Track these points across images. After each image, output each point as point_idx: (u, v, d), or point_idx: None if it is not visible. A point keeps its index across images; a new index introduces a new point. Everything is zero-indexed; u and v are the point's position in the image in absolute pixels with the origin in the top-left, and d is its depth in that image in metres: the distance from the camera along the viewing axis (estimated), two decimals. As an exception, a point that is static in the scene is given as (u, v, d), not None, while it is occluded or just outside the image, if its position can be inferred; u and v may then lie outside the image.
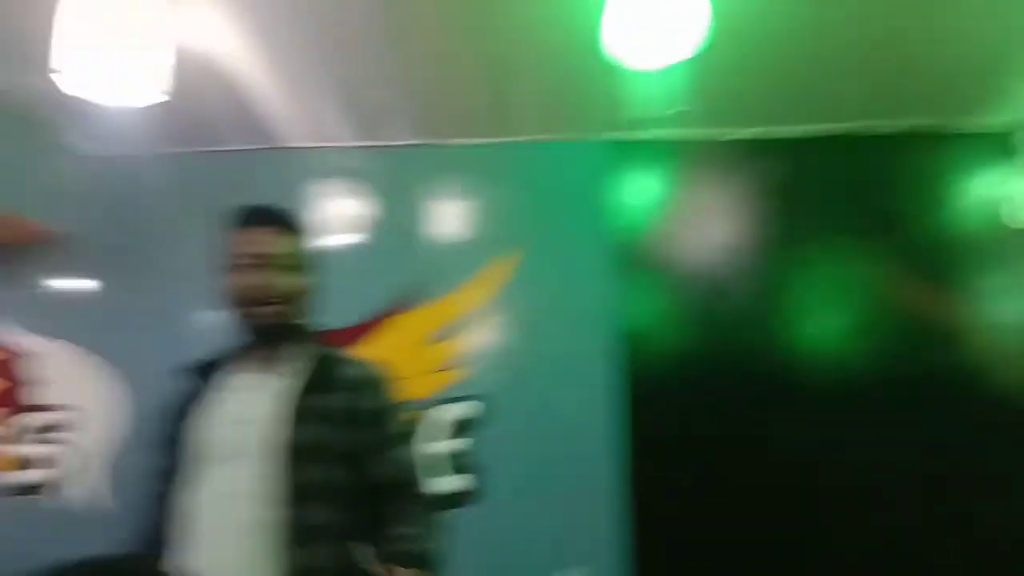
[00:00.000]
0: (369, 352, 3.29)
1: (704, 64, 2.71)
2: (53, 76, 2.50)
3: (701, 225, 3.40)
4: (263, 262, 1.57)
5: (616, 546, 3.17)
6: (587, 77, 3.09)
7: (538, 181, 3.49)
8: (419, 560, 1.44)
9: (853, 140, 3.34)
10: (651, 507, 3.20)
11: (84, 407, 3.71)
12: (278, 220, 1.64)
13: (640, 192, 3.45)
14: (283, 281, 1.57)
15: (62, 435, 3.70)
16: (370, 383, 1.60)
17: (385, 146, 3.57)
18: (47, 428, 3.71)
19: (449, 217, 3.56)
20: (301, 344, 1.63)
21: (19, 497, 3.66)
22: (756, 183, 3.39)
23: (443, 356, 3.44)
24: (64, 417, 3.71)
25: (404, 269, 3.50)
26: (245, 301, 1.57)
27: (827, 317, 3.31)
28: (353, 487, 1.52)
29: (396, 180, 3.59)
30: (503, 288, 3.44)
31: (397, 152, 3.57)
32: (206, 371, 1.65)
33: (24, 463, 3.69)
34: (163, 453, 1.60)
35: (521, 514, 3.24)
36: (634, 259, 3.40)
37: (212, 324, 3.55)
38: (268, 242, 1.60)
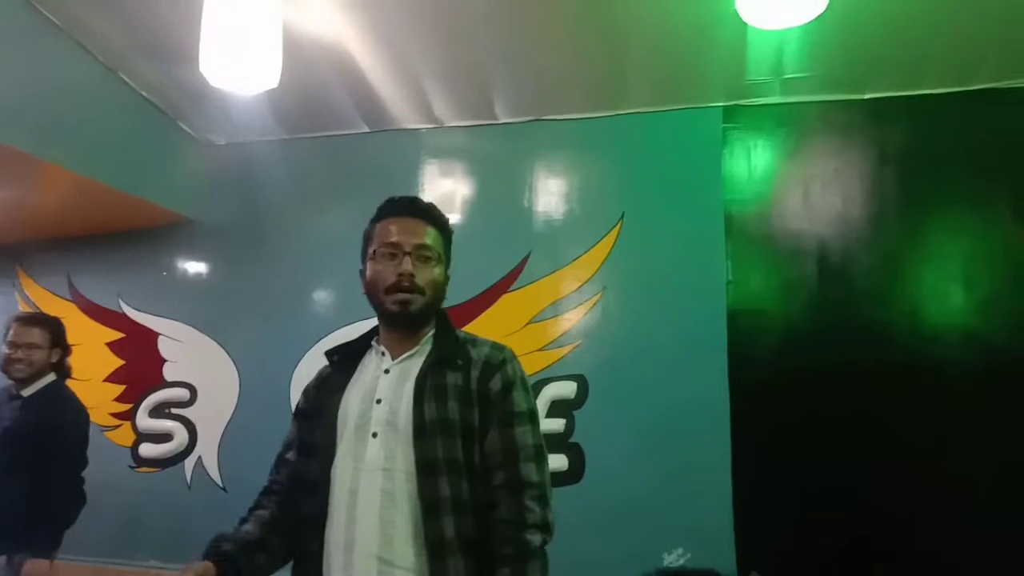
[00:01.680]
0: (475, 331, 3.27)
1: (826, 25, 2.60)
2: (200, 68, 2.65)
3: (820, 194, 3.21)
4: (410, 252, 1.61)
5: (721, 526, 2.99)
6: (704, 44, 3.01)
7: (652, 153, 3.39)
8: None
9: (984, 99, 3.07)
10: (756, 487, 3.01)
11: (200, 386, 3.85)
12: (425, 213, 1.69)
13: (755, 160, 3.30)
14: (428, 272, 1.63)
15: (179, 412, 3.84)
16: (496, 362, 1.62)
17: (499, 124, 3.57)
18: (165, 405, 3.86)
19: (560, 194, 3.52)
20: (433, 326, 1.69)
21: (140, 470, 3.82)
22: (879, 148, 3.18)
23: (549, 334, 3.37)
24: (181, 394, 3.85)
25: (515, 247, 3.48)
26: (390, 289, 1.60)
27: (955, 292, 3.03)
28: (475, 461, 1.55)
29: (509, 158, 3.58)
30: (613, 264, 3.36)
31: (510, 129, 3.56)
32: (350, 352, 1.72)
33: (144, 438, 3.85)
34: (306, 429, 1.68)
35: (625, 493, 3.11)
36: (747, 231, 3.24)
37: (331, 309, 3.72)
38: (417, 233, 1.64)
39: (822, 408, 3.01)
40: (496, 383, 1.59)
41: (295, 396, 3.57)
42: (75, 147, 3.18)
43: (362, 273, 1.69)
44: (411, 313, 1.61)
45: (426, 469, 1.50)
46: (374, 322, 1.72)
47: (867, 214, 3.17)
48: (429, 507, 1.48)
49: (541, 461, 1.57)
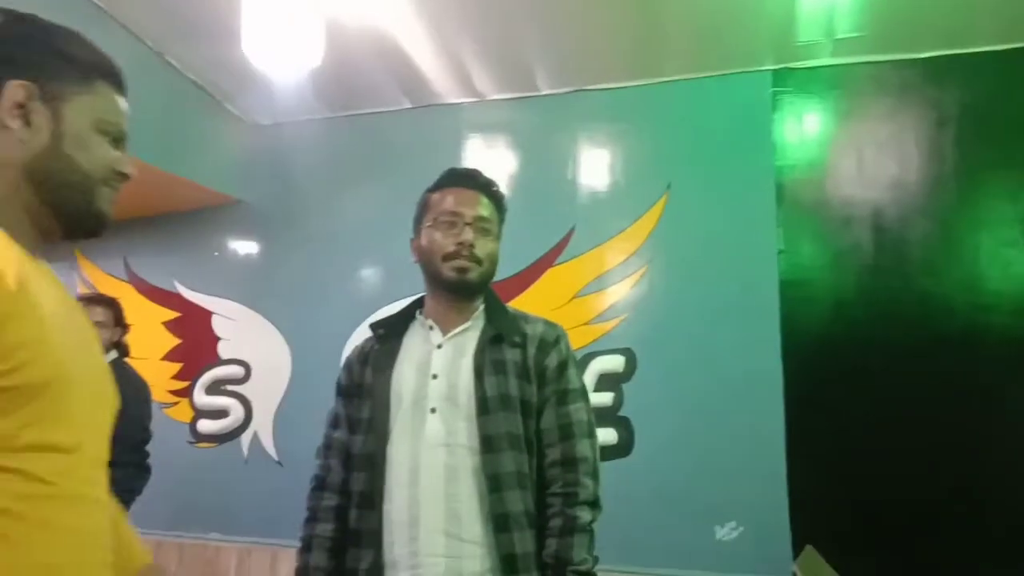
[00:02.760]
0: (521, 306, 3.26)
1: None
2: (243, 47, 2.66)
3: (874, 159, 3.10)
4: (471, 223, 1.62)
5: (775, 500, 2.94)
6: (751, 5, 2.91)
7: (698, 121, 3.32)
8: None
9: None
10: (811, 460, 2.95)
11: (253, 363, 3.93)
12: (486, 187, 1.70)
13: (807, 125, 3.20)
14: (486, 244, 1.64)
15: (234, 388, 3.93)
16: (551, 339, 1.64)
17: (538, 96, 3.53)
18: (221, 382, 3.96)
19: (604, 165, 3.47)
20: (484, 301, 1.70)
21: (198, 445, 3.93)
22: (936, 110, 3.05)
23: (595, 308, 3.35)
24: (236, 372, 3.94)
25: (558, 221, 3.45)
26: (448, 256, 1.61)
27: (1014, 259, 2.90)
28: (532, 436, 1.58)
29: (551, 130, 3.55)
30: (659, 236, 3.31)
31: (552, 101, 3.52)
32: (395, 326, 1.70)
33: (202, 414, 3.95)
34: (353, 405, 1.66)
35: (675, 467, 3.08)
36: (798, 198, 3.15)
37: (378, 285, 3.75)
38: (477, 205, 1.65)
39: (878, 379, 2.94)
40: (552, 360, 1.61)
41: (345, 372, 3.67)
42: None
43: (414, 242, 1.70)
44: (469, 281, 1.62)
45: (490, 444, 1.51)
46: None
47: (923, 179, 3.06)
48: (494, 482, 1.49)
49: (593, 438, 1.60)
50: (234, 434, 3.88)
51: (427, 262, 1.65)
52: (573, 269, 3.40)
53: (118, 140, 1.06)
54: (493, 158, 3.62)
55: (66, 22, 1.08)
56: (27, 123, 0.96)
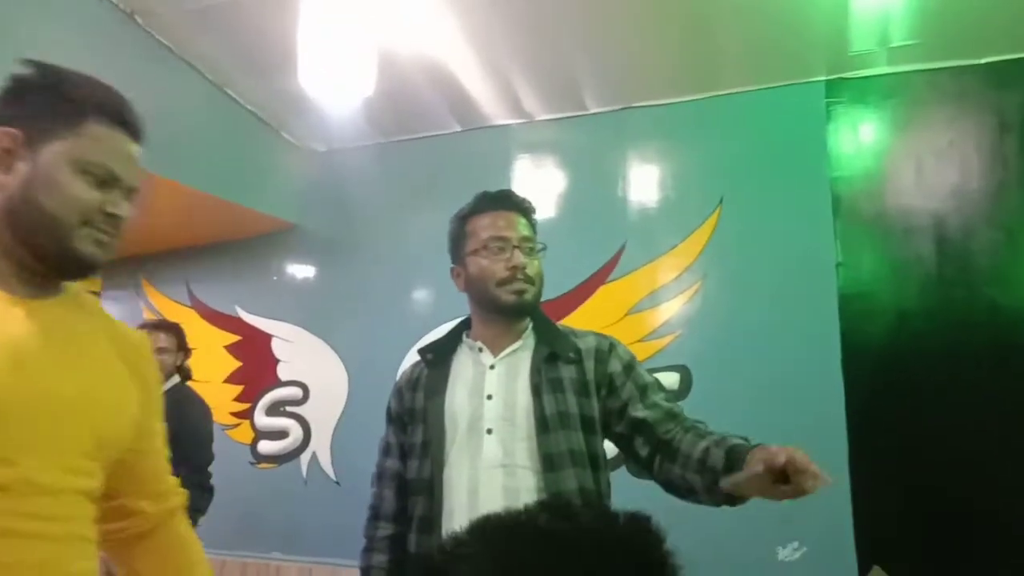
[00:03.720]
0: (574, 323, 3.26)
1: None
2: (299, 77, 2.75)
3: (933, 168, 3.03)
4: (517, 244, 1.62)
5: (839, 522, 2.86)
6: (802, 16, 2.88)
7: (750, 134, 3.28)
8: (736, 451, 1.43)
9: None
10: (875, 479, 2.86)
11: (312, 384, 4.00)
12: (521, 206, 1.70)
13: (862, 135, 3.14)
14: (534, 264, 1.65)
15: (293, 410, 4.01)
16: (606, 348, 1.64)
17: (587, 115, 3.55)
18: (280, 403, 4.04)
19: (654, 181, 3.46)
20: (534, 320, 1.69)
21: (259, 466, 4.01)
22: (997, 116, 2.96)
23: (648, 325, 3.33)
24: (295, 393, 4.02)
25: (610, 238, 3.44)
26: (502, 282, 1.61)
27: None
28: (597, 452, 1.57)
29: (600, 148, 3.55)
30: (713, 251, 3.28)
31: (600, 119, 3.53)
32: (442, 350, 1.70)
33: (263, 435, 4.04)
34: (406, 432, 1.67)
35: (739, 486, 3.02)
36: (856, 210, 3.08)
37: (431, 306, 3.80)
38: (519, 226, 1.65)
39: (943, 392, 2.85)
40: (615, 366, 1.61)
41: (401, 393, 3.71)
42: (188, 163, 3.37)
43: (455, 271, 1.70)
44: (527, 303, 1.62)
45: (551, 463, 1.50)
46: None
47: (986, 187, 2.97)
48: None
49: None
50: (293, 454, 3.95)
51: (479, 289, 1.64)
52: (626, 286, 3.39)
53: (106, 180, 1.06)
54: (543, 178, 3.65)
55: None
56: (8, 169, 1.01)
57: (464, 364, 1.66)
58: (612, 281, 3.42)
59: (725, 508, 1.49)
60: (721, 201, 3.28)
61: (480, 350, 1.65)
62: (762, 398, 3.06)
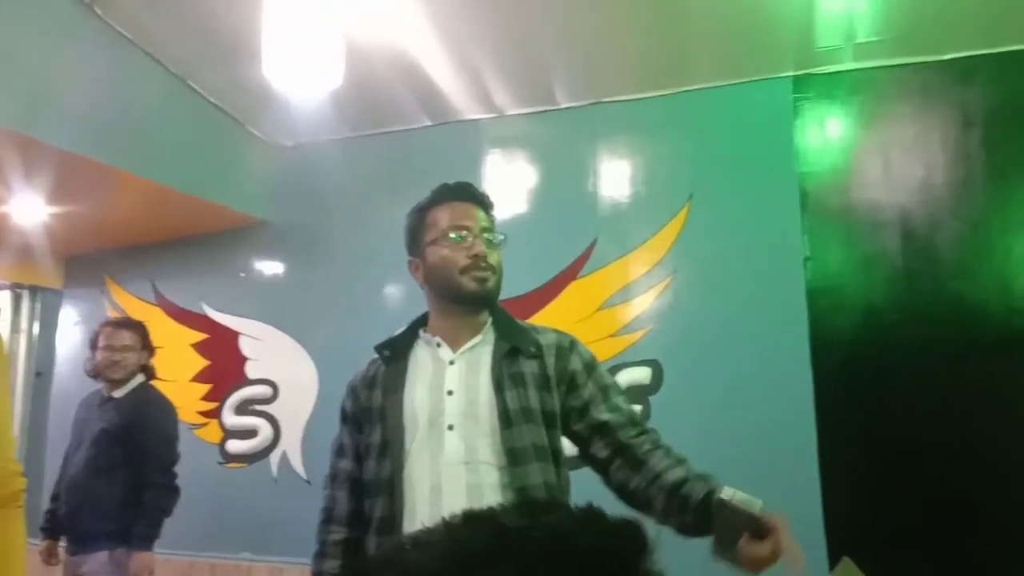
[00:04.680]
0: (545, 319, 3.25)
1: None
2: (264, 69, 2.70)
3: (900, 162, 3.06)
4: (477, 234, 1.62)
5: (808, 514, 2.86)
6: (769, 12, 2.90)
7: (718, 130, 3.30)
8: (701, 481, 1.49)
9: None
10: (844, 471, 2.89)
11: (281, 382, 3.95)
12: (481, 199, 1.70)
13: (830, 131, 3.17)
14: (494, 254, 1.64)
15: (262, 408, 3.95)
16: (567, 346, 1.64)
17: (559, 109, 3.53)
18: (249, 402, 3.98)
19: (624, 176, 3.46)
20: (493, 315, 1.67)
21: (228, 466, 3.95)
22: (962, 111, 3.00)
23: (620, 320, 3.33)
24: (264, 391, 3.96)
25: (580, 233, 3.44)
26: (465, 269, 1.59)
27: None
28: (558, 447, 1.57)
29: (571, 142, 3.54)
30: (683, 246, 3.29)
31: (571, 114, 3.52)
32: (399, 347, 1.66)
33: (231, 434, 3.98)
34: (362, 432, 1.62)
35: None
36: (823, 204, 3.11)
37: (402, 302, 3.76)
38: (479, 217, 1.65)
39: (911, 385, 2.89)
40: (576, 363, 1.61)
41: (371, 390, 3.68)
42: (149, 155, 3.30)
43: (413, 263, 1.70)
44: (490, 291, 1.61)
45: (516, 457, 1.49)
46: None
47: (951, 181, 3.01)
48: (522, 496, 1.46)
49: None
50: (263, 454, 3.90)
51: (440, 278, 1.63)
52: (597, 281, 3.39)
53: None
54: (513, 173, 3.63)
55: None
56: None
57: (422, 360, 1.63)
58: (583, 276, 3.42)
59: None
60: (691, 196, 3.29)
61: (438, 345, 1.62)
62: (732, 391, 3.08)
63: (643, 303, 3.31)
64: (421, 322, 1.70)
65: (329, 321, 3.88)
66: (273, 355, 3.98)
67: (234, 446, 3.95)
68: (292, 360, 3.92)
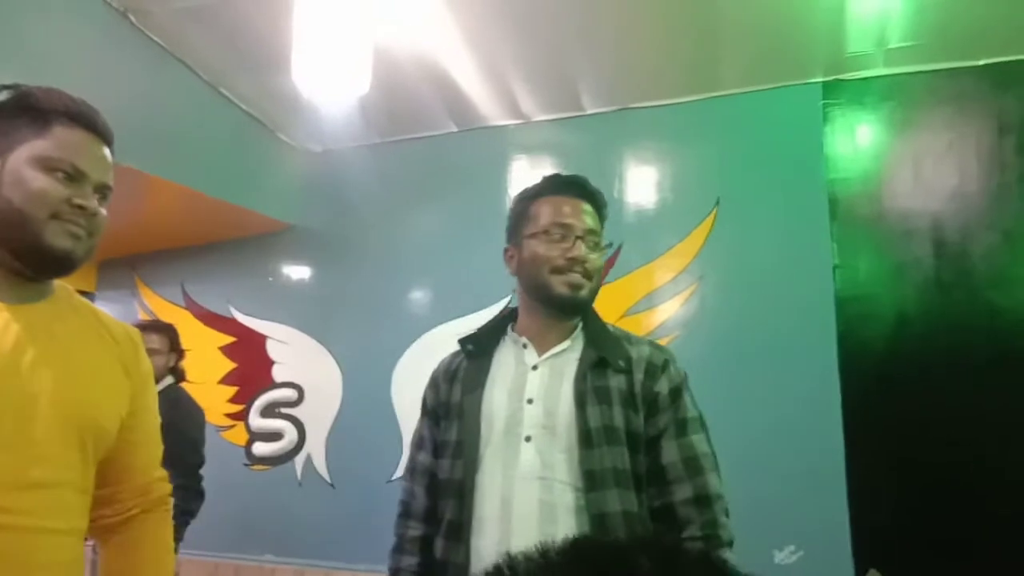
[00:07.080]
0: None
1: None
2: (293, 76, 2.73)
3: (932, 170, 3.01)
4: (581, 235, 1.49)
5: (836, 525, 2.84)
6: (799, 17, 2.87)
7: (746, 136, 3.27)
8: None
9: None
10: (872, 482, 2.84)
11: (306, 386, 3.98)
12: (594, 198, 1.58)
13: (860, 137, 3.12)
14: (596, 260, 1.52)
15: (288, 411, 3.98)
16: (658, 363, 1.50)
17: (586, 115, 3.53)
18: (275, 405, 4.02)
19: (651, 182, 3.44)
20: (584, 320, 1.56)
21: (254, 468, 3.98)
22: (997, 118, 2.95)
23: (645, 327, 3.30)
24: (289, 395, 3.99)
25: (607, 239, 3.40)
26: (557, 270, 1.48)
27: None
28: (642, 472, 1.44)
29: (597, 149, 3.53)
30: (709, 253, 3.26)
31: (597, 120, 3.52)
32: (484, 342, 1.58)
33: (257, 437, 4.01)
34: (440, 427, 1.56)
35: (730, 490, 3.00)
36: (853, 212, 3.07)
37: (427, 307, 3.78)
38: (585, 215, 1.53)
39: (942, 396, 2.84)
40: (663, 386, 1.47)
41: (396, 394, 3.70)
42: (182, 162, 3.35)
43: (508, 251, 1.59)
44: (581, 298, 1.50)
45: (594, 481, 1.38)
46: (473, 319, 1.66)
47: (985, 189, 2.95)
48: (599, 523, 1.36)
49: (718, 471, 1.47)
50: (288, 456, 3.93)
51: (531, 275, 1.52)
52: (622, 287, 3.37)
53: (73, 176, 1.12)
54: (539, 178, 3.61)
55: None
56: None
57: (506, 360, 1.54)
58: (608, 282, 3.39)
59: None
60: (718, 202, 3.27)
61: (525, 346, 1.53)
62: (759, 400, 3.05)
63: (668, 310, 3.29)
64: (510, 317, 1.61)
65: (354, 326, 3.90)
66: (299, 359, 4.01)
67: (260, 448, 3.99)
68: (318, 364, 3.94)
